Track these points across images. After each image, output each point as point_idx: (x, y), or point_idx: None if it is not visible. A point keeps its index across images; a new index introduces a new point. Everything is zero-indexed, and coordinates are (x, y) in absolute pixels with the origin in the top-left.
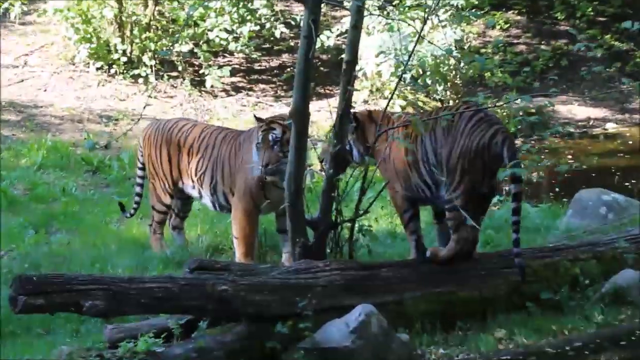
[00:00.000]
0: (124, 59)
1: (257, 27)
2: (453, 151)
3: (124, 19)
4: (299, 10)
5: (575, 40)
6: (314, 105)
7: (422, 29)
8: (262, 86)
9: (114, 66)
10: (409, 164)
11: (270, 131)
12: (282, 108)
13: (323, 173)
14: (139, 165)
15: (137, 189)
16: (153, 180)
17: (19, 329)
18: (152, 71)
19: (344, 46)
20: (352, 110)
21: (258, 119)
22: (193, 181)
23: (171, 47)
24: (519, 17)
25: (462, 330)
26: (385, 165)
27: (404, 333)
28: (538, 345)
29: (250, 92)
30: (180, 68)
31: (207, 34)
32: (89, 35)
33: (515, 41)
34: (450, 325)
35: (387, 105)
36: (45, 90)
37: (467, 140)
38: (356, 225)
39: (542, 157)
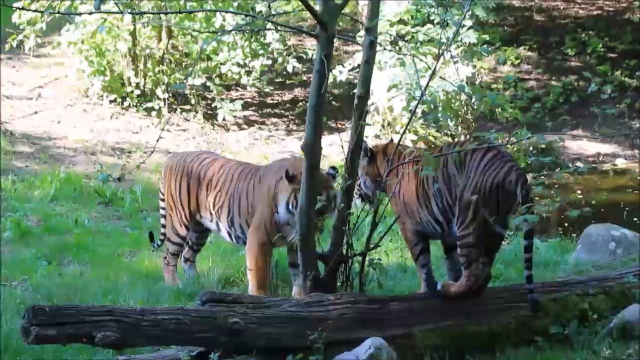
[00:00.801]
0: (138, 91)
1: (270, 61)
2: (466, 188)
3: (137, 52)
4: (311, 44)
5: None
6: (325, 140)
7: (435, 65)
8: (274, 120)
9: (128, 99)
10: (419, 200)
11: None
12: (294, 142)
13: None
14: (161, 196)
15: (163, 221)
16: (171, 212)
17: (31, 359)
18: (165, 104)
19: (356, 81)
20: (370, 145)
21: (289, 178)
22: (211, 214)
23: (184, 81)
24: (530, 53)
25: None
26: (395, 200)
27: None
28: None
29: (262, 126)
30: (193, 101)
31: (219, 68)
32: (102, 68)
33: (526, 77)
34: (459, 358)
35: (400, 140)
36: (59, 123)
37: (481, 177)
38: (367, 258)
39: (552, 192)
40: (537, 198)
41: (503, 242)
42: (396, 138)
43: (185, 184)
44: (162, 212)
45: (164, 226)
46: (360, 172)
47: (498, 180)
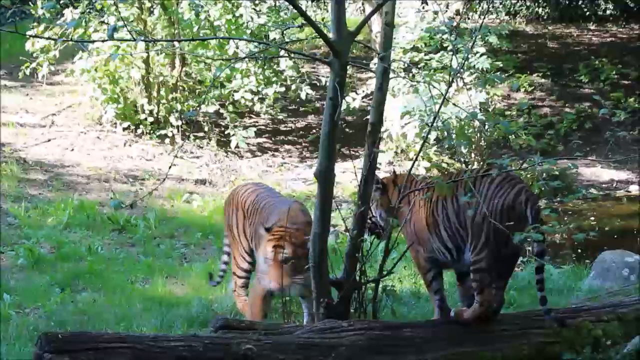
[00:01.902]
0: (151, 119)
1: (283, 89)
2: (477, 213)
3: (151, 79)
4: (324, 72)
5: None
6: (339, 166)
7: (447, 92)
8: (287, 147)
9: (141, 126)
10: (430, 228)
11: (280, 249)
12: (307, 169)
13: (347, 234)
14: (225, 232)
15: (225, 257)
16: (233, 245)
17: None
18: (178, 131)
19: (369, 108)
20: (379, 176)
21: (267, 229)
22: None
23: (198, 108)
24: (543, 80)
25: None
26: (407, 228)
27: None
28: None
29: (275, 153)
30: (206, 128)
31: (233, 95)
32: (116, 96)
33: (539, 104)
34: None
35: (412, 167)
36: (72, 150)
37: (492, 201)
38: (380, 285)
39: (566, 219)
40: (549, 224)
41: (516, 269)
42: (405, 167)
43: (239, 216)
44: (225, 248)
45: (225, 263)
46: (375, 205)
47: (508, 202)
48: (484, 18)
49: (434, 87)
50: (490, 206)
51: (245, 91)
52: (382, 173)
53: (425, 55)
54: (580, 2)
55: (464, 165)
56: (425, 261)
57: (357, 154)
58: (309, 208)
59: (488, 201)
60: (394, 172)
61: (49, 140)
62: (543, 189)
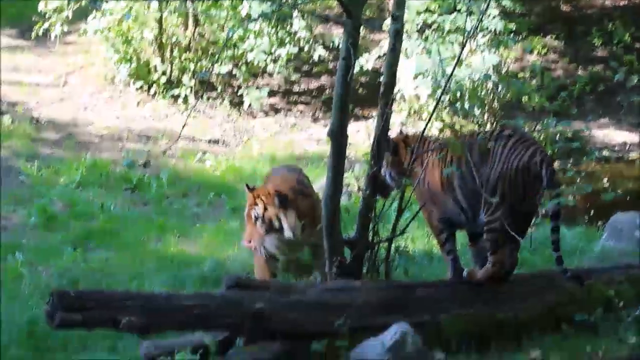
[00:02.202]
0: (164, 79)
1: (296, 49)
2: (492, 174)
3: (164, 40)
4: (337, 32)
5: (612, 67)
6: (352, 127)
7: (460, 53)
8: (300, 107)
9: (154, 86)
10: (444, 188)
11: (254, 206)
12: (320, 129)
13: (360, 193)
14: None
15: None
16: None
17: (56, 344)
18: (191, 91)
19: (382, 69)
20: (390, 135)
21: (249, 189)
22: None
23: (211, 68)
24: (556, 43)
25: (497, 351)
26: (420, 189)
27: (440, 353)
28: None
29: (288, 113)
30: (219, 88)
31: (246, 56)
32: (129, 56)
33: (552, 66)
34: (485, 345)
35: (425, 128)
36: (85, 110)
37: (506, 162)
38: (393, 245)
39: (579, 180)
40: (563, 186)
41: (529, 229)
42: (418, 128)
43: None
44: None
45: None
46: (384, 165)
47: (523, 163)
48: None
49: (447, 48)
50: (506, 166)
51: (259, 52)
52: (394, 134)
53: (438, 16)
54: None
55: (477, 126)
56: (438, 222)
57: (370, 114)
58: (322, 168)
59: (503, 161)
60: (401, 131)
61: (62, 100)
62: (556, 150)
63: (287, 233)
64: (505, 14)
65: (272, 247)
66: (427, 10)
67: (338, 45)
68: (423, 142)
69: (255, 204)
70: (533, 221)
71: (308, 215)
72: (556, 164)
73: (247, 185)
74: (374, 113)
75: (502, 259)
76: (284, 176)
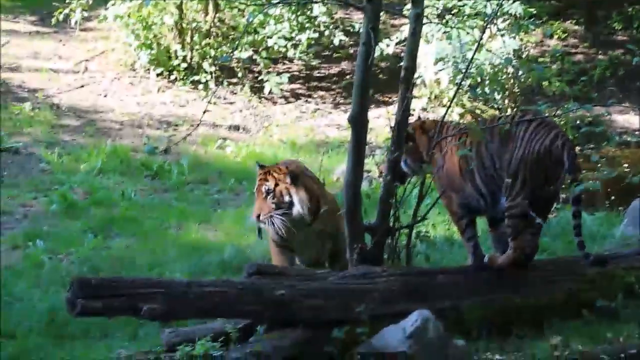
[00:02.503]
0: (184, 65)
1: (316, 35)
2: (513, 158)
3: (184, 25)
4: (358, 18)
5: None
6: (372, 113)
7: (480, 38)
8: (321, 93)
9: (174, 72)
10: (462, 173)
11: (265, 182)
12: (341, 115)
13: (381, 179)
14: None
15: None
16: None
17: (77, 331)
18: (211, 77)
19: (402, 54)
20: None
21: (260, 166)
22: None
23: (231, 54)
24: (576, 27)
25: (517, 337)
26: (439, 175)
27: (461, 339)
28: (593, 352)
29: (309, 99)
30: (239, 74)
31: (266, 41)
32: (149, 42)
33: (573, 50)
34: (506, 331)
35: (446, 113)
36: (105, 96)
37: (528, 146)
38: (414, 231)
39: (599, 165)
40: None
41: (550, 215)
42: (438, 113)
43: None
44: None
45: None
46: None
47: (546, 147)
48: None
49: (468, 33)
50: (527, 151)
51: (279, 37)
52: (412, 120)
53: (458, 1)
54: None
55: (497, 111)
56: (458, 208)
57: (390, 100)
58: (342, 154)
59: (524, 146)
60: (419, 117)
61: (82, 86)
62: (577, 135)
63: (297, 207)
64: None
65: (280, 224)
66: None
67: (358, 30)
68: (443, 127)
69: (267, 180)
70: (554, 207)
71: (314, 198)
72: (577, 149)
73: (258, 163)
74: (395, 98)
75: (523, 245)
76: (293, 161)
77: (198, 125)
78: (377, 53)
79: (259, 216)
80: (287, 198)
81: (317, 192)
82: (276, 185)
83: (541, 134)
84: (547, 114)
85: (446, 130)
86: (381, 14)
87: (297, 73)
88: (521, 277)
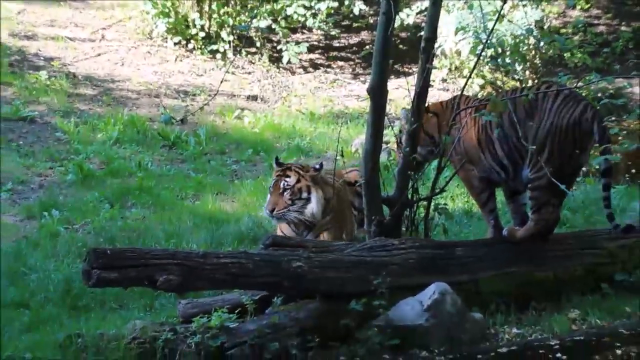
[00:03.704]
0: (202, 34)
1: (336, 4)
2: (540, 130)
3: None
4: None
5: None
6: (392, 83)
7: (502, 8)
8: (340, 63)
9: (192, 41)
10: (481, 145)
11: (284, 178)
12: (360, 85)
13: (399, 150)
14: None
15: None
16: None
17: (93, 302)
18: (230, 47)
19: (423, 24)
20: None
21: (278, 164)
22: None
23: (249, 23)
24: None
25: (536, 311)
26: (456, 149)
27: (478, 312)
28: (612, 326)
29: (328, 69)
30: (258, 44)
31: (285, 10)
32: (167, 10)
33: (595, 22)
34: (524, 305)
35: (466, 84)
36: (122, 65)
37: (556, 118)
38: (432, 203)
39: (621, 138)
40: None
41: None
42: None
43: None
44: None
45: None
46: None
47: (575, 118)
48: None
49: (489, 2)
50: (555, 122)
51: (298, 6)
52: (435, 90)
53: None
54: None
55: (518, 83)
56: (478, 181)
57: (410, 70)
58: (361, 125)
59: (552, 117)
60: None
61: (98, 55)
62: (599, 107)
63: (312, 205)
64: None
65: (294, 219)
66: None
67: (378, 0)
68: (465, 100)
69: (287, 176)
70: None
71: (329, 202)
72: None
73: (276, 159)
74: (415, 69)
75: (546, 217)
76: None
77: (215, 95)
78: (397, 23)
79: (272, 210)
80: (305, 195)
81: (330, 198)
82: (297, 181)
83: (570, 105)
84: (567, 85)
85: (465, 102)
86: None
87: (316, 43)
88: (540, 251)
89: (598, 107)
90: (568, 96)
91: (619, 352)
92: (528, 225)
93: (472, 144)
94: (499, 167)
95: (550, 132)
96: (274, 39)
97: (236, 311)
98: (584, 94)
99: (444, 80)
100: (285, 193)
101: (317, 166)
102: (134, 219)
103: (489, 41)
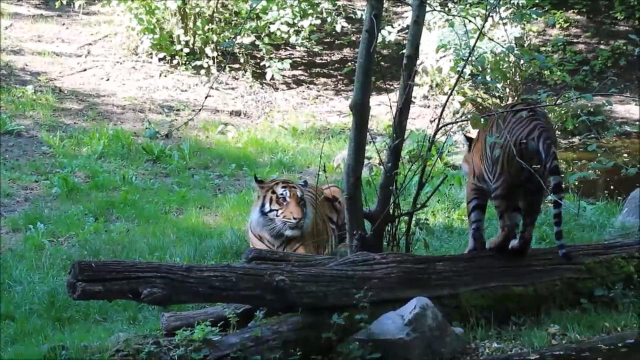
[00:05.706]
0: (187, 50)
1: (319, 21)
2: (496, 145)
3: (187, 10)
4: (360, 4)
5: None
6: (374, 100)
7: (482, 26)
8: (323, 80)
9: (177, 57)
10: (482, 159)
11: (295, 189)
12: (342, 101)
13: (382, 166)
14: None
15: None
16: None
17: (77, 314)
18: (214, 62)
19: (405, 41)
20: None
21: (258, 181)
22: None
23: (233, 39)
24: (578, 17)
25: (516, 325)
26: (470, 162)
27: (459, 326)
28: (591, 341)
29: (311, 86)
30: (242, 60)
31: (269, 27)
32: (152, 26)
33: (574, 40)
34: (504, 319)
35: (447, 101)
36: (107, 80)
37: (509, 135)
38: (413, 218)
39: (599, 155)
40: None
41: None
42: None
43: None
44: None
45: None
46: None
47: (521, 137)
48: None
49: (470, 21)
50: (508, 138)
51: (281, 23)
52: (417, 107)
53: None
54: None
55: (498, 100)
56: (471, 190)
57: (392, 87)
58: (343, 141)
59: (507, 133)
60: None
61: (84, 70)
62: (577, 124)
63: (307, 220)
64: None
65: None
66: None
67: (361, 17)
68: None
69: (295, 187)
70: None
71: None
72: (576, 139)
73: (255, 178)
74: (396, 86)
75: (509, 223)
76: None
77: (200, 110)
78: (379, 40)
79: (299, 220)
80: (305, 209)
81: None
82: (302, 194)
83: (522, 124)
84: (547, 103)
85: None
86: (384, 1)
87: (299, 59)
88: (520, 266)
89: (577, 125)
90: (527, 116)
91: None
92: (498, 233)
93: (478, 158)
94: (482, 181)
95: (503, 147)
96: (257, 55)
97: (219, 324)
98: (563, 111)
99: (425, 97)
100: (300, 204)
101: (302, 183)
102: (118, 232)
103: (469, 59)
